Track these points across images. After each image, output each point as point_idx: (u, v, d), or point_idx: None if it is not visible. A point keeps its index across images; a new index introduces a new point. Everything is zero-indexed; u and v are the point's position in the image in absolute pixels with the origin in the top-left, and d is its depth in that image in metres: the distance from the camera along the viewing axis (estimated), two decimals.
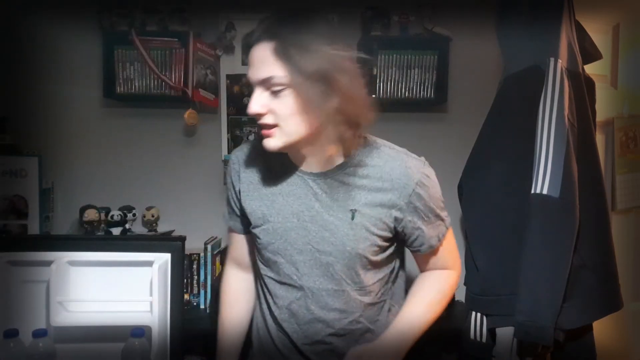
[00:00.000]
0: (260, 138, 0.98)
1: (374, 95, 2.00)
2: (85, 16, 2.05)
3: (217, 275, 2.02)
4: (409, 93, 2.01)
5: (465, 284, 1.62)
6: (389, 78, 2.00)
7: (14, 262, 1.21)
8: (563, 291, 1.32)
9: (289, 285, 1.04)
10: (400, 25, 2.06)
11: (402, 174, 0.99)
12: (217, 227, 2.14)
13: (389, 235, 1.02)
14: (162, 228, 2.13)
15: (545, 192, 1.33)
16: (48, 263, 1.18)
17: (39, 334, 1.10)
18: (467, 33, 2.08)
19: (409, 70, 2.00)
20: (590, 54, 1.62)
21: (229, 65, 2.13)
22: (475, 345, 1.51)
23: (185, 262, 1.94)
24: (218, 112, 2.15)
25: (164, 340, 1.21)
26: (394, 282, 1.12)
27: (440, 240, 1.07)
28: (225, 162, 2.15)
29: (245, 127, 2.15)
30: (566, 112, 1.37)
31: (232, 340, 1.20)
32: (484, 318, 1.49)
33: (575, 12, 1.53)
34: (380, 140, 1.08)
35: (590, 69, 1.62)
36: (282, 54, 0.88)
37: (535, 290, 1.32)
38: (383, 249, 1.04)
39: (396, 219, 1.01)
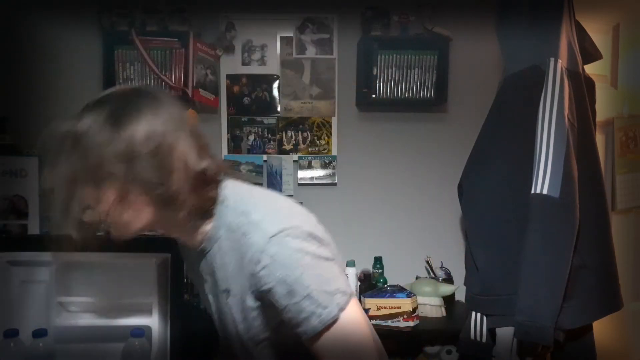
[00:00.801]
0: None
1: (373, 96, 2.01)
2: (85, 16, 2.05)
3: None
4: (409, 93, 2.01)
5: (465, 284, 1.62)
6: (389, 78, 2.00)
7: (14, 262, 1.21)
8: (563, 291, 1.32)
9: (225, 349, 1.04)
10: (400, 25, 2.06)
11: (249, 253, 0.83)
12: None
13: (260, 313, 0.88)
14: None
15: (545, 192, 1.33)
16: (48, 263, 1.18)
17: (39, 334, 1.10)
18: (467, 33, 2.08)
19: (409, 70, 2.00)
20: (590, 54, 1.62)
21: (229, 65, 2.13)
22: (475, 345, 1.51)
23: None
24: (218, 112, 2.15)
25: (164, 340, 1.21)
26: None
27: (310, 335, 0.81)
28: (225, 162, 2.15)
29: (245, 127, 2.15)
30: (566, 112, 1.37)
31: None
32: (484, 318, 1.49)
33: (575, 12, 1.53)
34: (240, 200, 0.89)
35: (590, 69, 1.62)
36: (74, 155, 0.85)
37: (535, 290, 1.32)
38: (265, 326, 0.90)
39: (261, 300, 0.86)
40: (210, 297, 0.98)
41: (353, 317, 0.84)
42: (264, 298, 0.84)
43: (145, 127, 0.82)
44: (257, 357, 0.92)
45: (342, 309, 0.82)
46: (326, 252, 0.85)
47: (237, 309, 0.89)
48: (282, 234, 0.81)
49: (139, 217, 0.86)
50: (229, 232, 0.88)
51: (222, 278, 0.90)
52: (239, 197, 0.90)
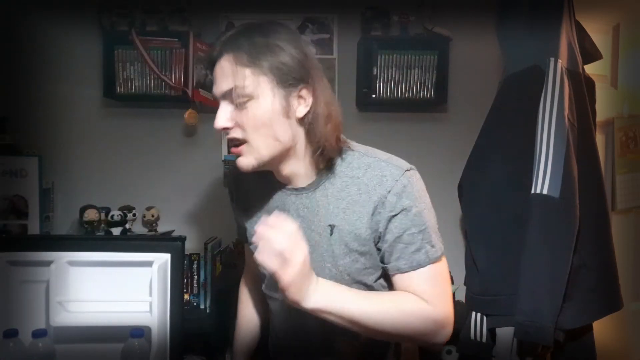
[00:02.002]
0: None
1: (373, 96, 2.01)
2: (85, 16, 2.05)
3: (217, 275, 2.02)
4: (409, 93, 2.01)
5: (465, 284, 1.62)
6: (389, 78, 2.00)
7: (14, 262, 1.21)
8: (563, 291, 1.32)
9: (282, 301, 1.01)
10: (400, 25, 2.06)
11: (378, 183, 0.90)
12: (217, 227, 2.14)
13: (370, 250, 0.94)
14: (162, 228, 2.13)
15: (545, 192, 1.33)
16: (48, 263, 1.18)
17: (38, 334, 1.10)
18: (467, 33, 2.08)
19: (409, 70, 2.00)
20: (590, 54, 1.62)
21: None
22: (475, 345, 1.51)
23: (185, 262, 1.94)
24: None
25: (164, 340, 1.21)
26: None
27: (414, 268, 0.89)
28: (225, 162, 2.15)
29: None
30: (566, 112, 1.37)
31: (247, 345, 1.22)
32: (484, 318, 1.49)
33: (575, 12, 1.53)
34: (362, 148, 0.99)
35: (590, 69, 1.62)
36: (243, 63, 0.85)
37: (535, 290, 1.32)
38: (370, 268, 0.95)
39: (374, 234, 0.92)
40: None
41: (446, 269, 0.93)
42: (381, 227, 0.90)
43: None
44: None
45: (443, 254, 0.92)
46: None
47: (341, 244, 0.92)
48: (413, 171, 0.93)
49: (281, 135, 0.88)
50: (349, 169, 0.93)
51: (327, 214, 0.93)
52: (355, 144, 1.00)
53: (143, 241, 1.32)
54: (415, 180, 0.93)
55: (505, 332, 1.42)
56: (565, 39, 1.46)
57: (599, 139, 1.77)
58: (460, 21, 2.08)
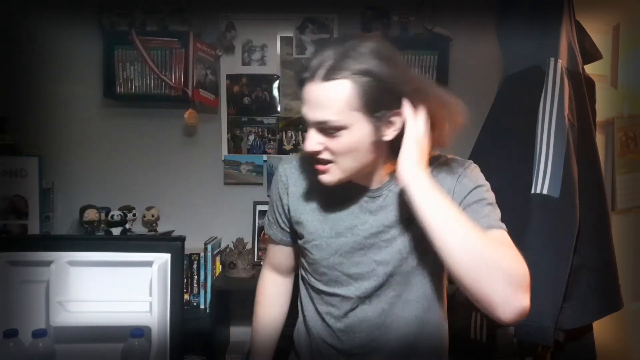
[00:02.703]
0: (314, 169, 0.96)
1: None
2: (85, 16, 2.05)
3: (217, 275, 2.02)
4: None
5: None
6: None
7: (14, 262, 1.21)
8: (563, 291, 1.32)
9: (346, 297, 1.02)
10: (400, 25, 2.06)
11: (447, 172, 0.98)
12: (217, 227, 2.14)
13: None
14: (162, 228, 2.13)
15: (545, 192, 1.33)
16: (48, 263, 1.18)
17: (38, 334, 1.10)
18: (467, 33, 2.08)
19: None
20: (590, 54, 1.62)
21: (229, 65, 2.13)
22: (475, 345, 1.51)
23: (185, 262, 1.94)
24: (218, 112, 2.15)
25: (164, 340, 1.21)
26: (441, 296, 1.06)
27: (488, 227, 0.92)
28: (225, 162, 2.15)
29: (246, 127, 2.15)
30: (566, 112, 1.37)
31: (266, 341, 1.20)
32: (484, 318, 1.49)
33: (575, 12, 1.53)
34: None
35: (590, 69, 1.62)
36: (339, 97, 0.85)
37: (535, 290, 1.31)
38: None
39: None
40: (357, 239, 0.99)
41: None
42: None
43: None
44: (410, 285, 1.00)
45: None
46: None
47: (415, 236, 0.95)
48: (474, 164, 1.02)
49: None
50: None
51: (403, 209, 0.95)
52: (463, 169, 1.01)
53: (143, 241, 1.32)
54: (477, 169, 1.01)
55: (505, 332, 1.42)
56: (565, 39, 1.45)
57: (599, 139, 1.77)
58: (460, 21, 2.07)
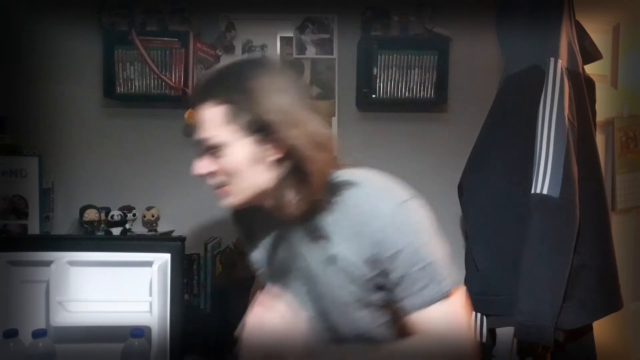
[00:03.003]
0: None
1: (373, 96, 2.00)
2: (85, 16, 2.05)
3: (217, 275, 2.02)
4: (409, 93, 2.01)
5: (465, 284, 1.62)
6: (389, 78, 2.00)
7: (14, 262, 1.22)
8: (563, 291, 1.32)
9: None
10: (400, 25, 2.06)
11: (373, 217, 0.85)
12: (217, 227, 2.14)
13: (374, 278, 0.89)
14: (162, 228, 2.13)
15: (545, 192, 1.33)
16: (48, 263, 1.18)
17: (38, 334, 1.10)
18: (467, 33, 2.08)
19: (409, 70, 2.00)
20: (590, 54, 1.62)
21: None
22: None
23: (185, 262, 1.94)
24: None
25: (164, 340, 1.21)
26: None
27: (423, 306, 0.84)
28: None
29: None
30: (566, 112, 1.37)
31: None
32: (484, 318, 1.49)
33: (575, 12, 1.53)
34: (358, 175, 0.94)
35: (590, 69, 1.62)
36: (216, 112, 0.87)
37: (535, 290, 1.32)
38: (366, 300, 0.91)
39: (377, 267, 0.87)
40: (293, 271, 0.97)
41: (460, 301, 0.87)
42: (382, 265, 0.86)
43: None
44: (347, 331, 0.93)
45: (452, 289, 0.85)
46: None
47: (341, 276, 0.89)
48: (408, 202, 0.87)
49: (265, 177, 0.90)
50: (342, 202, 0.89)
51: (325, 245, 0.90)
52: (351, 172, 0.94)
53: (143, 241, 1.33)
54: (413, 212, 0.87)
55: (505, 332, 1.42)
56: (565, 39, 1.46)
57: (599, 139, 1.77)
58: (460, 21, 2.07)
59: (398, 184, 0.92)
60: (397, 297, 0.87)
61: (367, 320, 0.93)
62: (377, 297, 0.91)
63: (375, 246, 0.85)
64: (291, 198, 0.91)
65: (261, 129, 0.86)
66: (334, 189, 0.90)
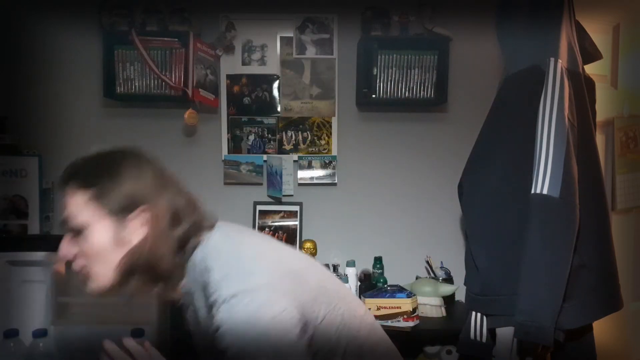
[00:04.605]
0: None
1: (373, 96, 2.00)
2: (85, 16, 2.05)
3: None
4: (409, 93, 2.01)
5: (465, 284, 1.62)
6: (389, 78, 2.00)
7: (14, 262, 1.22)
8: (563, 291, 1.32)
9: None
10: (400, 25, 2.06)
11: (211, 303, 0.83)
12: None
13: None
14: None
15: (545, 192, 1.33)
16: (48, 263, 1.18)
17: (39, 334, 1.10)
18: (467, 33, 2.08)
19: (409, 70, 2.00)
20: (590, 54, 1.62)
21: (229, 65, 2.13)
22: (475, 345, 1.51)
23: None
24: (218, 112, 2.15)
25: (164, 340, 1.21)
26: None
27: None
28: (225, 162, 2.15)
29: (245, 127, 2.15)
30: (566, 112, 1.37)
31: None
32: (484, 318, 1.49)
33: (575, 12, 1.53)
34: (209, 249, 0.91)
35: (590, 69, 1.62)
36: (75, 191, 0.88)
37: (535, 290, 1.31)
38: None
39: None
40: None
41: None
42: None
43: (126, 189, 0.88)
44: None
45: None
46: (285, 313, 0.80)
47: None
48: (235, 299, 0.79)
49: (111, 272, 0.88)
50: (198, 289, 0.89)
51: (201, 331, 0.91)
52: (209, 250, 0.90)
53: None
54: (237, 310, 0.79)
55: (505, 332, 1.42)
56: (565, 39, 1.45)
57: (599, 139, 1.77)
58: (460, 21, 2.08)
59: (248, 257, 0.89)
60: None
61: None
62: None
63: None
64: (149, 282, 0.91)
65: (123, 209, 0.87)
66: (191, 270, 0.91)
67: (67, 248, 0.89)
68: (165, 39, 1.99)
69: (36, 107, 2.08)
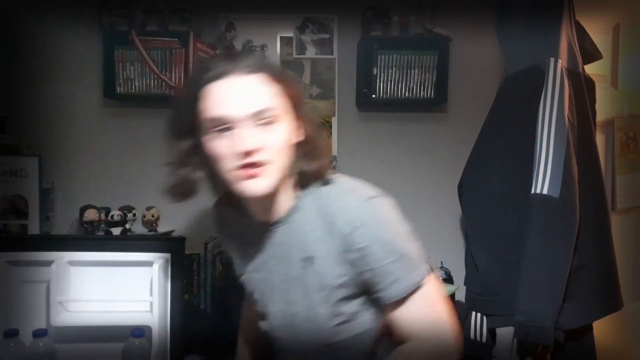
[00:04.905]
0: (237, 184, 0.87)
1: (373, 96, 2.00)
2: (85, 16, 2.05)
3: (217, 275, 2.02)
4: (409, 93, 2.01)
5: (465, 284, 1.62)
6: (389, 78, 2.00)
7: (14, 262, 1.22)
8: (563, 291, 1.32)
9: (272, 336, 1.01)
10: (400, 25, 2.06)
11: (343, 214, 0.87)
12: None
13: (348, 281, 0.91)
14: (162, 228, 2.13)
15: (545, 192, 1.33)
16: (48, 263, 1.18)
17: (39, 334, 1.10)
18: (467, 33, 2.08)
19: (409, 70, 2.00)
20: (590, 54, 1.62)
21: None
22: (475, 345, 1.51)
23: (185, 262, 1.94)
24: None
25: (164, 340, 1.22)
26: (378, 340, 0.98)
27: (399, 298, 0.87)
28: None
29: None
30: (566, 112, 1.37)
31: (251, 350, 1.21)
32: (484, 318, 1.50)
33: (575, 12, 1.53)
34: (332, 177, 0.95)
35: (590, 69, 1.62)
36: (272, 83, 0.85)
37: (535, 291, 1.32)
38: (350, 298, 0.92)
39: (350, 264, 0.89)
40: (270, 275, 0.96)
41: (435, 288, 0.89)
42: (354, 261, 0.87)
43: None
44: (323, 335, 0.92)
45: (426, 277, 0.88)
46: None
47: (317, 277, 0.90)
48: (376, 198, 0.88)
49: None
50: (314, 200, 0.90)
51: (301, 247, 0.90)
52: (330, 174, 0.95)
53: (143, 241, 1.33)
54: (380, 208, 0.89)
55: (505, 332, 1.42)
56: (565, 39, 1.46)
57: (599, 139, 1.77)
58: (460, 21, 2.08)
59: (367, 184, 0.93)
60: (371, 291, 0.89)
61: (338, 329, 0.92)
62: (348, 306, 0.91)
63: (345, 241, 0.86)
64: (283, 193, 0.92)
65: (299, 107, 0.88)
66: (316, 186, 0.92)
67: (256, 138, 0.83)
68: (165, 39, 1.98)
69: (36, 107, 2.08)
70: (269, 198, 0.91)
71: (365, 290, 0.91)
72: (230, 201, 1.00)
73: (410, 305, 0.87)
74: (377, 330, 0.96)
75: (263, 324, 1.03)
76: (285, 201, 0.93)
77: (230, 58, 0.87)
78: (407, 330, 0.88)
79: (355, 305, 0.93)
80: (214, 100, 0.85)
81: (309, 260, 0.90)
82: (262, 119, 0.84)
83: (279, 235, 0.95)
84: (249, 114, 0.84)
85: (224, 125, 0.84)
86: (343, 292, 0.91)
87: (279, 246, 0.95)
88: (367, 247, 0.86)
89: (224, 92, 0.84)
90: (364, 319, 0.94)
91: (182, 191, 0.92)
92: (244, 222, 1.00)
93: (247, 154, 0.83)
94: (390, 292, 0.87)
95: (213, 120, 0.85)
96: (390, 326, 0.92)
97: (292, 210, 0.93)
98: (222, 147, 0.85)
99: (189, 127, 0.90)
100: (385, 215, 0.89)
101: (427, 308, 0.88)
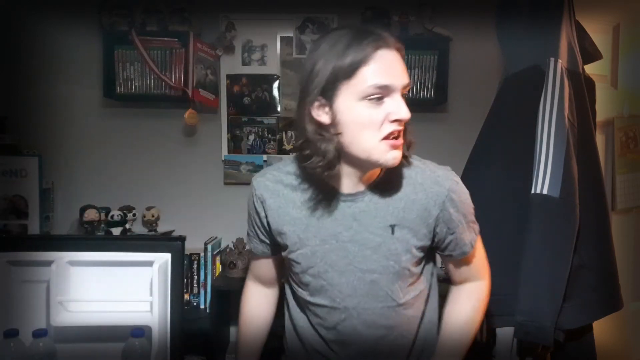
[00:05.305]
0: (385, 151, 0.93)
1: None
2: (85, 16, 2.05)
3: (217, 275, 2.02)
4: (409, 93, 2.00)
5: None
6: None
7: (14, 262, 1.21)
8: (563, 291, 1.32)
9: (333, 307, 1.01)
10: (400, 25, 2.06)
11: (434, 182, 1.00)
12: (217, 227, 2.14)
13: (428, 244, 1.02)
14: (162, 228, 2.13)
15: (545, 192, 1.33)
16: (48, 263, 1.18)
17: (39, 334, 1.10)
18: (467, 33, 2.08)
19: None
20: (590, 54, 1.61)
21: (229, 65, 2.13)
22: (475, 345, 1.51)
23: (185, 262, 1.94)
24: (218, 112, 2.15)
25: (164, 340, 1.21)
26: (429, 296, 1.10)
27: (472, 247, 1.05)
28: (225, 162, 2.15)
29: (246, 127, 2.15)
30: (566, 112, 1.37)
31: (251, 350, 1.20)
32: (484, 318, 1.49)
33: (575, 12, 1.53)
34: (416, 158, 1.08)
35: (590, 69, 1.62)
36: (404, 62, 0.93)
37: (535, 290, 1.32)
38: (421, 260, 1.04)
39: (433, 227, 1.00)
40: (346, 245, 0.99)
41: (479, 237, 1.09)
42: (439, 225, 0.99)
43: None
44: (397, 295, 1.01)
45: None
46: None
47: (402, 243, 0.98)
48: (457, 177, 1.04)
49: None
50: (400, 170, 1.00)
51: (388, 214, 0.97)
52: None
53: (143, 241, 1.32)
54: (458, 180, 1.04)
55: (505, 332, 1.42)
56: (565, 39, 1.45)
57: (599, 139, 1.77)
58: (460, 21, 2.08)
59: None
60: (447, 248, 1.04)
61: (409, 291, 1.03)
62: (418, 268, 1.03)
63: (438, 206, 0.98)
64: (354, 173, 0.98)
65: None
66: (399, 165, 0.97)
67: (407, 109, 0.94)
68: (165, 39, 1.99)
69: (36, 107, 2.08)
70: (355, 169, 0.96)
71: (439, 249, 1.05)
72: (304, 174, 1.00)
73: (472, 255, 1.07)
74: (429, 289, 1.09)
75: (318, 299, 1.03)
76: (367, 174, 0.97)
77: (376, 30, 0.91)
78: (465, 275, 1.09)
79: (421, 265, 1.05)
80: (382, 67, 0.88)
81: (396, 227, 0.97)
82: (405, 92, 0.94)
83: (363, 205, 0.98)
84: (404, 85, 0.93)
85: (380, 94, 0.89)
86: (421, 254, 1.01)
87: (360, 216, 0.98)
88: (453, 213, 0.99)
89: (392, 60, 0.89)
90: (423, 277, 1.07)
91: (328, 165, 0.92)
92: (311, 195, 1.00)
93: (401, 123, 0.93)
94: (466, 249, 1.04)
95: (379, 87, 0.89)
96: (448, 273, 1.11)
97: (377, 183, 0.99)
98: (376, 114, 0.90)
99: (332, 86, 0.89)
100: (464, 191, 1.03)
101: (479, 253, 1.09)
